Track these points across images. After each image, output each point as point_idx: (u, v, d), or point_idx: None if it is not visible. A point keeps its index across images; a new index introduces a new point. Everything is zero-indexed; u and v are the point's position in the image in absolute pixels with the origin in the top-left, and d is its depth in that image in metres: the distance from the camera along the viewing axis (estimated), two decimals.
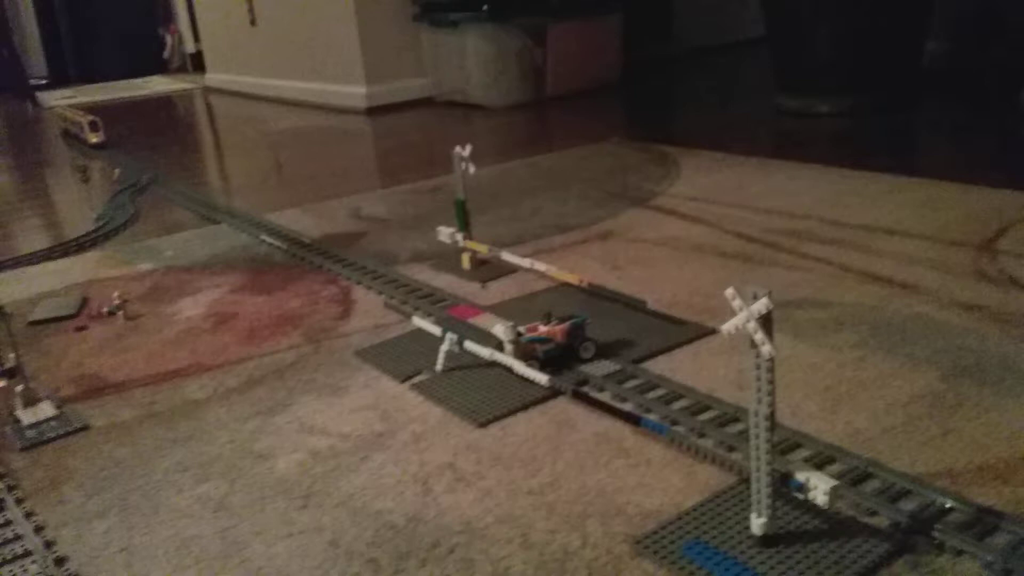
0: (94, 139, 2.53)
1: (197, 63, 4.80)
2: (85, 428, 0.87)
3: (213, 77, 4.17)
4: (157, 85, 4.70)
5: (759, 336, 0.55)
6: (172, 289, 1.25)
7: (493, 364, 0.89)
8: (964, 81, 2.26)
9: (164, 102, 3.97)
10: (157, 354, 1.03)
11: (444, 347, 0.90)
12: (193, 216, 1.69)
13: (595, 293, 1.05)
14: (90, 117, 2.57)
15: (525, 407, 0.82)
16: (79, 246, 1.52)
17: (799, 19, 2.06)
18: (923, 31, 2.05)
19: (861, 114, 1.99)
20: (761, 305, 0.55)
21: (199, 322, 1.12)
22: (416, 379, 0.90)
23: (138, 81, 5.01)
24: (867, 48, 1.99)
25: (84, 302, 1.22)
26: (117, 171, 2.05)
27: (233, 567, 0.64)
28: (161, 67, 5.42)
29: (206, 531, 0.68)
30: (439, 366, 0.90)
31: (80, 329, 1.13)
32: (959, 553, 0.58)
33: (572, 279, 1.06)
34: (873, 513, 0.62)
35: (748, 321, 0.55)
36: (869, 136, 1.86)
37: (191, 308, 1.17)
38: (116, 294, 1.16)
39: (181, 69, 5.30)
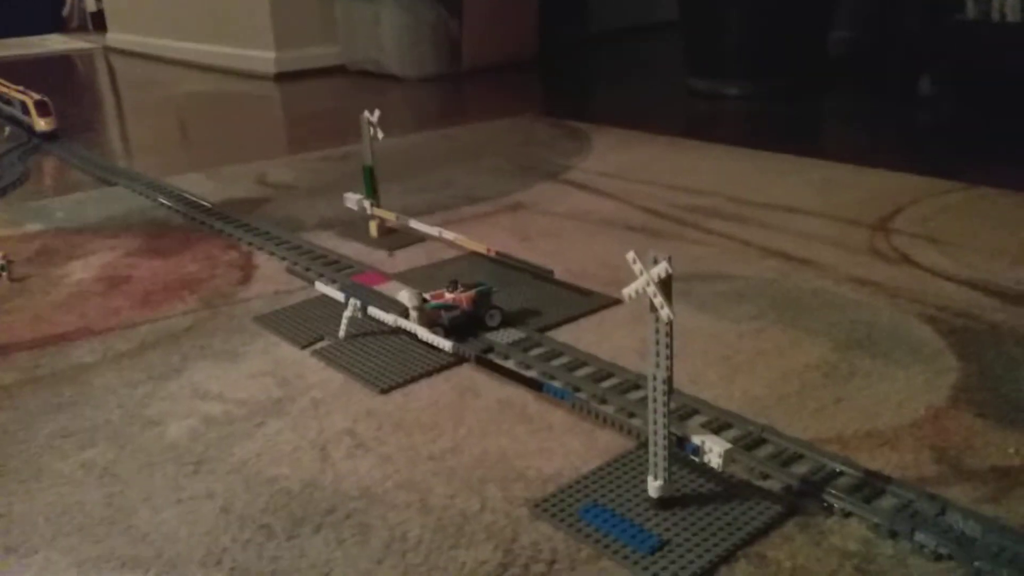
0: (43, 125, 1.87)
1: (98, 22, 4.60)
2: None
3: (115, 37, 4.00)
4: (55, 44, 4.49)
5: (658, 300, 0.56)
6: (62, 251, 1.20)
7: (397, 331, 0.88)
8: (866, 68, 2.33)
9: (62, 61, 3.79)
10: (43, 317, 0.98)
11: (347, 313, 0.88)
12: (88, 178, 1.62)
13: (503, 262, 1.04)
14: (36, 95, 1.90)
15: (429, 374, 0.81)
16: None
17: (710, 4, 2.09)
18: (829, 19, 2.11)
19: (767, 98, 2.03)
20: (660, 269, 0.55)
21: (90, 285, 1.07)
22: (317, 346, 0.88)
23: (35, 39, 4.77)
24: (774, 34, 2.03)
25: None
26: (7, 129, 1.94)
27: (118, 533, 0.61)
28: (60, 25, 5.18)
29: (90, 497, 0.66)
30: (342, 332, 0.88)
31: None
32: (847, 515, 0.59)
33: (480, 248, 1.05)
34: (766, 477, 0.64)
35: (648, 285, 0.56)
36: (774, 119, 1.90)
37: (81, 271, 1.12)
38: (0, 254, 1.10)
39: (81, 28, 5.07)
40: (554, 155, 1.60)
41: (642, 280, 0.56)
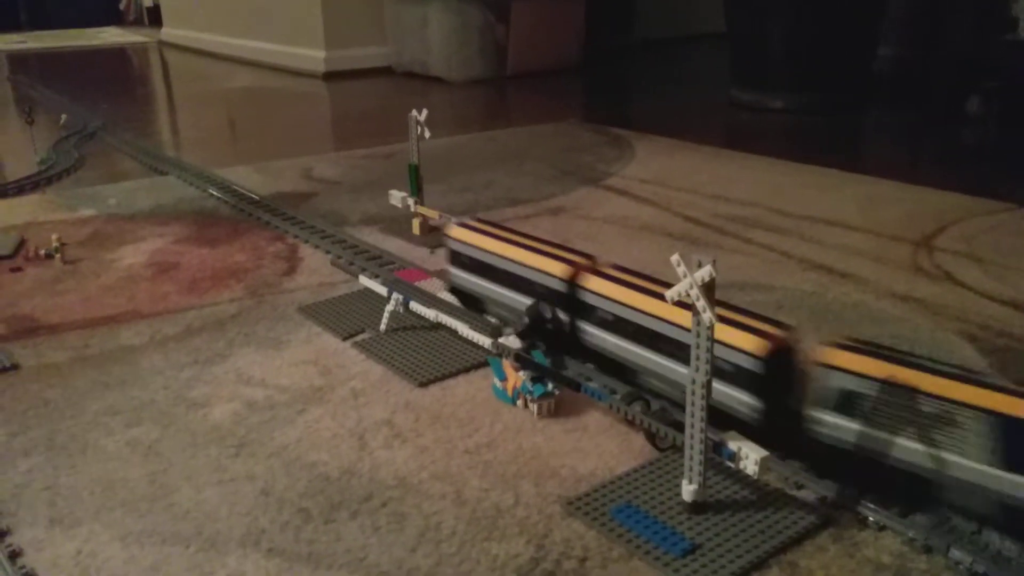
0: None
1: (153, 17, 4.69)
2: (15, 367, 0.84)
3: (169, 32, 4.07)
4: (111, 36, 4.58)
5: (701, 303, 0.56)
6: (113, 236, 1.23)
7: (437, 326, 0.89)
8: (912, 86, 2.31)
9: (118, 53, 3.87)
10: (94, 299, 1.01)
11: (389, 307, 0.89)
12: (140, 167, 1.65)
13: None
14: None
15: (467, 369, 0.82)
16: (19, 188, 1.48)
17: (757, 17, 2.09)
18: (875, 36, 2.09)
19: (812, 111, 2.02)
20: (704, 272, 0.55)
21: (139, 270, 1.09)
22: (359, 337, 0.89)
23: (92, 31, 4.88)
24: (820, 49, 2.02)
25: (21, 243, 1.19)
26: (64, 117, 1.99)
27: (160, 510, 0.63)
28: (116, 19, 5.29)
29: (134, 474, 0.67)
30: (383, 326, 0.89)
31: (15, 270, 1.10)
32: (882, 528, 0.59)
33: None
34: (801, 487, 0.64)
35: (691, 288, 0.56)
36: (818, 133, 1.89)
37: (132, 256, 1.15)
38: (55, 237, 1.13)
39: (137, 22, 5.18)
40: (596, 160, 1.61)
41: (685, 283, 0.56)
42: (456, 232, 0.91)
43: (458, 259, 0.92)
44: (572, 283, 0.79)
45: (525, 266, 0.83)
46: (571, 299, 0.79)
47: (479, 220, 0.93)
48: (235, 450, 0.70)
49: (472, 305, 0.90)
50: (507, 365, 0.76)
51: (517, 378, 0.74)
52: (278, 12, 3.01)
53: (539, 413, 0.73)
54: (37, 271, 1.10)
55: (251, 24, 3.22)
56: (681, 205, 1.31)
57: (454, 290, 0.93)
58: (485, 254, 0.87)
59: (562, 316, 0.80)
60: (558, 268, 0.80)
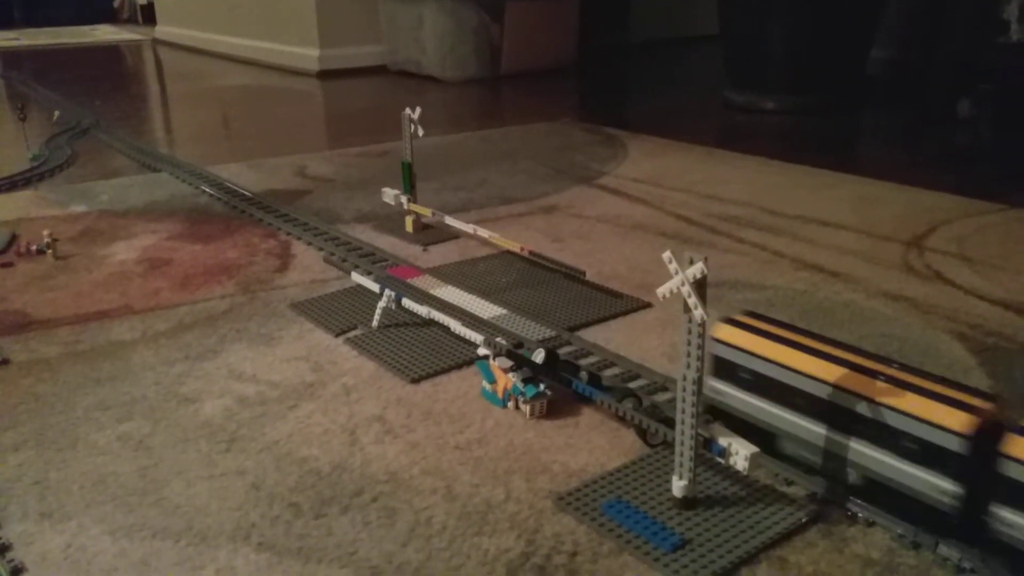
0: None
1: (147, 15, 4.69)
2: (5, 362, 0.84)
3: (163, 30, 4.07)
4: (105, 34, 4.57)
5: (692, 300, 0.56)
6: (105, 232, 1.22)
7: (429, 323, 0.89)
8: (905, 88, 2.32)
9: (111, 51, 3.86)
10: (85, 294, 1.01)
11: (381, 303, 0.89)
12: (133, 163, 1.65)
13: (535, 262, 1.05)
14: None
15: (459, 366, 0.82)
16: (11, 184, 1.47)
17: (751, 19, 2.09)
18: (870, 38, 2.10)
19: (805, 113, 2.03)
20: (696, 270, 0.56)
21: (131, 266, 1.09)
22: (351, 334, 0.89)
23: (85, 28, 4.87)
24: (814, 50, 2.03)
25: (13, 239, 1.18)
26: (57, 113, 1.99)
27: (150, 504, 0.63)
28: (110, 17, 5.28)
29: (125, 469, 0.67)
30: (375, 322, 0.89)
31: (6, 265, 1.10)
32: (871, 524, 0.59)
33: (513, 247, 1.06)
34: (790, 483, 0.64)
35: (682, 285, 0.56)
36: (811, 134, 1.90)
37: (124, 252, 1.14)
38: (46, 233, 1.13)
39: (131, 20, 5.17)
40: (589, 160, 1.61)
41: (677, 280, 0.56)
42: (726, 333, 0.65)
43: (731, 371, 0.65)
44: (985, 443, 0.53)
45: (878, 404, 0.57)
46: (978, 467, 0.53)
47: (757, 317, 0.67)
48: (226, 445, 0.70)
49: (752, 436, 0.61)
50: (495, 367, 0.76)
51: (507, 380, 0.74)
52: (272, 11, 3.00)
53: (531, 414, 0.73)
54: (29, 266, 1.10)
55: (245, 22, 3.22)
56: (674, 204, 1.31)
57: (714, 410, 0.67)
58: (788, 374, 0.59)
59: (946, 486, 0.55)
60: (957, 420, 0.53)
